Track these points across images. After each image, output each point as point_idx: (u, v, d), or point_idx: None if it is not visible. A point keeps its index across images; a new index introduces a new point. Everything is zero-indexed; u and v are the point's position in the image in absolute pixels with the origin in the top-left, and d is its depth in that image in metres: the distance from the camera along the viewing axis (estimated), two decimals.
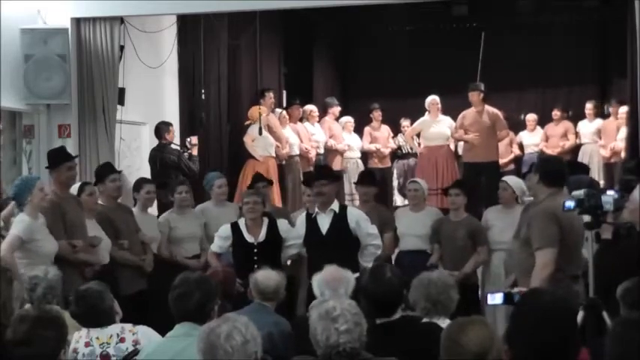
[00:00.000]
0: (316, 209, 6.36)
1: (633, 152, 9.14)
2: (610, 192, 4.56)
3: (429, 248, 7.19)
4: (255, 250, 6.27)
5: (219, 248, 6.51)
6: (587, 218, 4.34)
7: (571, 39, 13.24)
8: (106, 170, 6.92)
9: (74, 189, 6.46)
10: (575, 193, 4.39)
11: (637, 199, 4.66)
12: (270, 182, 8.06)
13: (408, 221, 7.29)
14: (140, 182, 7.31)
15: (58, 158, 6.24)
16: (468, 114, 10.25)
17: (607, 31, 12.76)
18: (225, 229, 6.48)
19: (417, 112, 11.55)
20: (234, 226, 6.44)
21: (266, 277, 4.89)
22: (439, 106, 10.70)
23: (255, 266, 5.98)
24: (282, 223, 6.50)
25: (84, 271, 6.03)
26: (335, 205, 6.33)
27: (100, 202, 6.73)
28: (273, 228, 6.39)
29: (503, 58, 12.82)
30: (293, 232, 6.45)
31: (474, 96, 10.14)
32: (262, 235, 6.34)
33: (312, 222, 6.35)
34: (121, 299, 5.94)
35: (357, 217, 6.29)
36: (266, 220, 6.42)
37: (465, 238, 6.96)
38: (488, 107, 10.23)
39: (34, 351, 3.22)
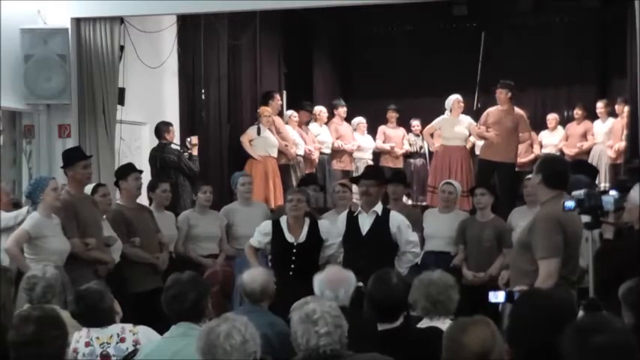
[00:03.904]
0: (359, 208, 6.31)
1: (633, 152, 9.13)
2: (612, 192, 4.55)
3: (453, 250, 7.12)
4: (294, 251, 6.15)
5: (258, 243, 6.35)
6: (587, 218, 4.33)
7: (571, 39, 13.24)
8: (129, 169, 6.99)
9: (87, 190, 6.54)
10: (575, 193, 4.38)
11: (634, 199, 4.65)
12: (322, 188, 8.03)
13: (435, 222, 7.26)
14: (156, 181, 7.42)
15: (73, 157, 6.31)
16: (492, 111, 9.98)
17: (607, 31, 12.75)
18: (267, 225, 6.35)
19: (416, 111, 11.56)
20: (276, 224, 6.29)
21: (251, 279, 4.76)
22: (462, 104, 10.44)
23: (293, 266, 6.01)
24: (323, 224, 6.36)
25: (97, 270, 6.10)
26: (378, 207, 6.26)
27: (119, 201, 6.85)
28: (314, 229, 6.24)
29: (503, 58, 12.81)
30: (334, 231, 6.31)
31: (502, 94, 9.84)
32: (303, 235, 6.20)
33: (352, 221, 6.28)
34: (132, 296, 6.01)
35: (400, 223, 6.22)
36: (307, 221, 6.28)
37: (492, 239, 6.90)
38: (515, 107, 9.99)
39: (44, 350, 3.23)
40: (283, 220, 6.28)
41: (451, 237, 7.13)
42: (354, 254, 6.05)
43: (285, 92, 12.40)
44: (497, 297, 3.84)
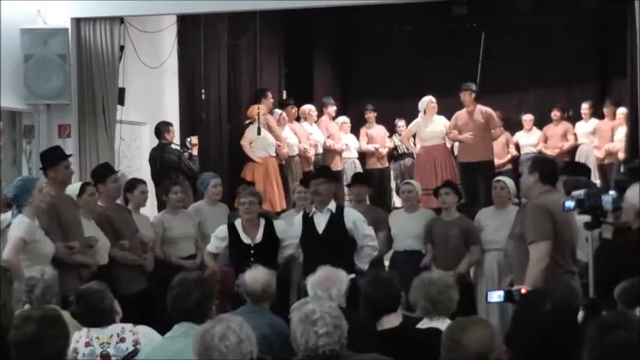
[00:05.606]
0: (313, 209, 6.36)
1: (633, 152, 9.14)
2: (611, 192, 4.57)
3: (423, 248, 7.18)
4: (252, 252, 6.24)
5: (216, 249, 6.50)
6: (587, 218, 4.34)
7: (571, 39, 13.25)
8: (107, 171, 6.91)
9: (75, 189, 6.43)
10: (575, 193, 4.40)
11: (631, 199, 4.67)
12: (252, 184, 8.06)
13: (402, 222, 7.29)
14: (134, 182, 7.25)
15: (55, 157, 6.19)
16: (461, 114, 10.24)
17: (607, 31, 12.77)
18: (222, 230, 6.46)
19: (417, 112, 11.52)
20: (231, 227, 6.42)
21: (253, 278, 4.77)
22: (435, 105, 10.60)
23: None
24: (279, 224, 6.50)
25: (80, 273, 5.96)
26: (332, 205, 6.33)
27: (98, 202, 6.70)
28: (269, 229, 6.37)
29: (503, 58, 12.82)
30: (290, 231, 6.42)
31: (466, 96, 10.13)
32: (259, 236, 6.33)
33: (308, 221, 6.34)
34: (121, 299, 5.95)
35: (354, 218, 6.30)
36: (263, 221, 6.41)
37: (458, 238, 6.97)
38: (480, 106, 10.20)
39: (46, 349, 3.23)
40: (238, 223, 6.39)
41: (418, 235, 7.19)
42: (312, 254, 6.09)
43: (285, 92, 12.41)
44: (494, 297, 3.84)
